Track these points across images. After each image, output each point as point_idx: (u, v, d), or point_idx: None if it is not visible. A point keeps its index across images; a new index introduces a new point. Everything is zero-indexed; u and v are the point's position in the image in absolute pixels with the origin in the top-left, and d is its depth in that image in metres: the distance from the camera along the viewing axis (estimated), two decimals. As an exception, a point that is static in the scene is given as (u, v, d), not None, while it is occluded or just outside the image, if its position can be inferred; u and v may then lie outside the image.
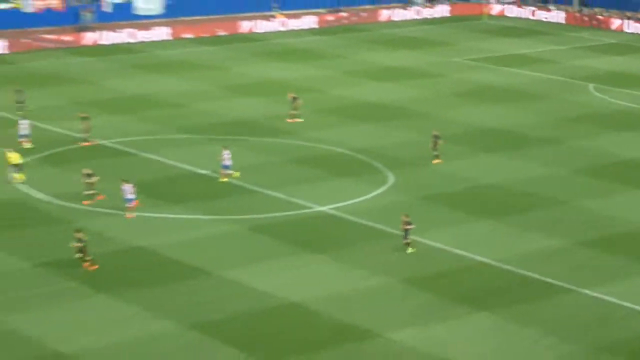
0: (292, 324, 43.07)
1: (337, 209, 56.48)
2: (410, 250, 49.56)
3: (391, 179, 61.73)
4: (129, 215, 54.84)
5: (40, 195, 59.43)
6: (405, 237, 49.62)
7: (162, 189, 61.54)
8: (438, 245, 51.10)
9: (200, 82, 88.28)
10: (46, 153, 67.70)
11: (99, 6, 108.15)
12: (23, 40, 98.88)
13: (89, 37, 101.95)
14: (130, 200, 55.63)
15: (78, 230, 48.35)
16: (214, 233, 54.43)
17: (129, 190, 55.73)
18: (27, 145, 67.19)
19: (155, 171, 65.05)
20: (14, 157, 60.88)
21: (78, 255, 47.59)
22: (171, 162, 66.53)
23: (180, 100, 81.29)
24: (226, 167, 61.65)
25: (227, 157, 61.63)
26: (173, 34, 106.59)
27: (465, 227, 54.28)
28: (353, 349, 39.83)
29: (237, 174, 61.25)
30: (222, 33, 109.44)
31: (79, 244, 47.90)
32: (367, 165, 64.80)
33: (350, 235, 52.52)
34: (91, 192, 56.46)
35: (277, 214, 56.64)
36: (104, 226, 53.80)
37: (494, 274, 48.13)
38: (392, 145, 68.67)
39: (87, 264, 47.90)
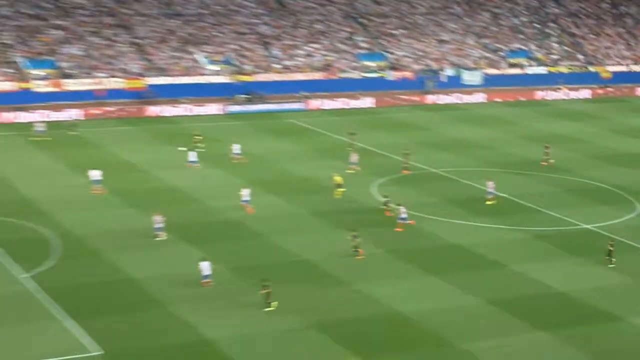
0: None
1: (597, 227, 60.75)
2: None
3: (638, 208, 66.56)
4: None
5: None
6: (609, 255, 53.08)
7: (466, 203, 66.55)
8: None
9: (503, 132, 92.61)
10: (393, 177, 73.17)
11: (438, 77, 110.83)
12: (385, 99, 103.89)
13: (430, 98, 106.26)
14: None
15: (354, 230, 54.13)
16: (507, 238, 59.03)
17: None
18: (352, 171, 72.26)
19: (465, 191, 70.01)
20: (338, 179, 66.30)
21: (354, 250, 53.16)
22: (475, 185, 70.88)
23: (490, 144, 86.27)
24: (489, 193, 66.13)
25: (491, 186, 66.26)
26: (487, 98, 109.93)
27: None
28: None
29: (493, 201, 65.66)
30: (522, 99, 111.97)
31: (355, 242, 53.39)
32: (621, 197, 69.00)
33: (604, 246, 54.37)
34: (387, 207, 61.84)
35: (552, 228, 61.13)
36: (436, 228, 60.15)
37: None
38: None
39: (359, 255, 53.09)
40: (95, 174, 65.69)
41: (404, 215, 58.72)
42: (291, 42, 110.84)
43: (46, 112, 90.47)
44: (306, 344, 42.92)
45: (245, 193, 61.69)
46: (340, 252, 54.34)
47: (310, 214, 62.35)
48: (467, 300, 48.37)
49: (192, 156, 72.56)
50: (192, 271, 49.65)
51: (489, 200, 65.86)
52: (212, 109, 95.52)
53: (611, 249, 52.88)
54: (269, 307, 45.56)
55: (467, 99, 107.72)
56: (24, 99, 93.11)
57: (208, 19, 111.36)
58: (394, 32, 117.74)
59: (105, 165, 70.68)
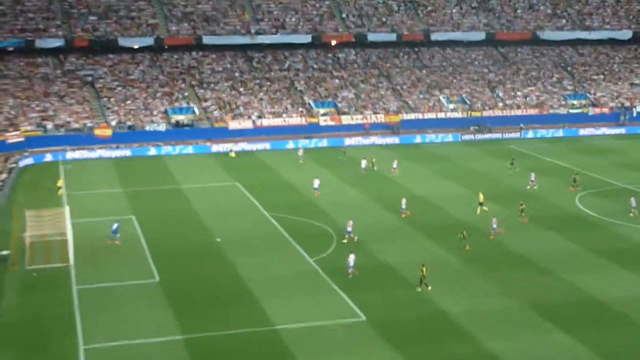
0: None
1: None
2: None
3: None
4: None
5: (591, 213, 63.61)
6: None
7: None
8: None
9: None
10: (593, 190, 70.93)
11: (631, 112, 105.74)
12: (587, 129, 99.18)
13: (624, 129, 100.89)
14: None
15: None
16: None
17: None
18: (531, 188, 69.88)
19: None
20: (481, 197, 63.04)
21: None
22: None
23: None
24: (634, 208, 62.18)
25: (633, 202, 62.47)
26: None
27: None
28: None
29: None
30: None
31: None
32: None
33: None
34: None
35: None
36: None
37: None
38: None
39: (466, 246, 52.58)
40: (316, 182, 68.26)
41: (494, 226, 56.64)
42: (511, 86, 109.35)
43: (326, 139, 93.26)
44: (521, 319, 42.62)
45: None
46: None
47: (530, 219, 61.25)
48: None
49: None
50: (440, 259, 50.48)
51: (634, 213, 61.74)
52: (450, 137, 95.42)
53: None
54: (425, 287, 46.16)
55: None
56: (312, 130, 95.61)
57: (448, 69, 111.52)
58: (594, 77, 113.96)
59: (365, 178, 72.55)
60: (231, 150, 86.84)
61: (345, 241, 54.77)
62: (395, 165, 77.23)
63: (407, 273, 48.57)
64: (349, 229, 55.46)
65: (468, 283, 47.71)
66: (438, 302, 44.56)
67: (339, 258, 51.26)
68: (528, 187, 70.20)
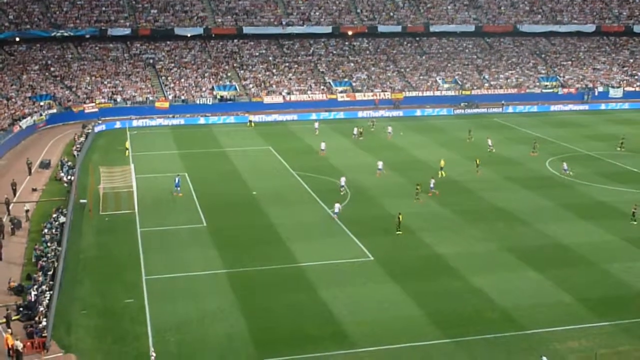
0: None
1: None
2: None
3: None
4: None
5: (559, 174, 61.95)
6: None
7: (611, 175, 61.62)
8: None
9: (638, 129, 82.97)
10: None
11: (593, 92, 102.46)
12: (557, 106, 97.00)
13: (587, 106, 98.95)
14: None
15: None
16: None
17: None
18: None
19: (610, 167, 64.23)
20: (442, 163, 62.99)
21: None
22: (617, 163, 65.55)
23: (629, 137, 74.75)
24: (565, 170, 61.14)
25: (565, 166, 61.16)
26: (626, 107, 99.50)
27: None
28: None
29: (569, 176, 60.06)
30: None
31: None
32: None
33: None
34: None
35: None
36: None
37: None
38: None
39: None
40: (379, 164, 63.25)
41: (432, 186, 55.00)
42: (495, 70, 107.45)
43: (342, 112, 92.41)
44: (501, 260, 42.52)
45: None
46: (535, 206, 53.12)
47: (503, 178, 60.28)
48: (607, 238, 46.14)
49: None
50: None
51: (567, 175, 60.76)
52: (444, 111, 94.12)
53: None
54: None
55: (612, 106, 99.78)
56: (331, 105, 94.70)
57: (444, 56, 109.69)
58: (564, 63, 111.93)
59: (383, 148, 72.01)
60: (250, 121, 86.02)
61: (342, 193, 54.72)
62: (390, 130, 77.08)
63: (410, 222, 48.17)
64: (342, 183, 55.36)
65: (460, 231, 47.47)
66: (434, 246, 44.38)
67: (351, 209, 51.22)
68: (488, 150, 69.99)
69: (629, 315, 35.53)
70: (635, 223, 48.46)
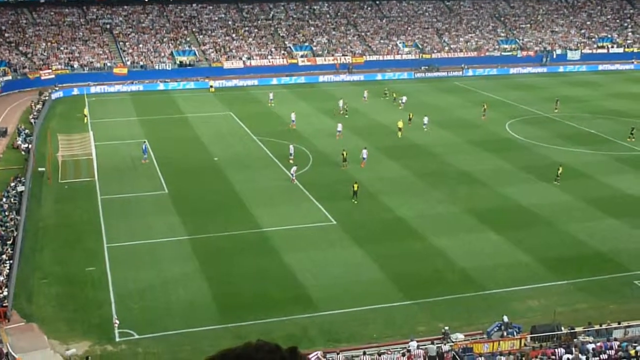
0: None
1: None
2: None
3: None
4: None
5: (518, 137, 63.07)
6: None
7: (568, 137, 62.61)
8: None
9: (595, 91, 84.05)
10: None
11: (551, 55, 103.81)
12: (516, 69, 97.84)
13: (546, 69, 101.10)
14: None
15: None
16: (594, 159, 55.40)
17: None
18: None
19: (568, 129, 65.04)
20: (400, 124, 65.33)
21: None
22: (575, 125, 66.41)
23: (586, 99, 78.15)
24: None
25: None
26: (584, 69, 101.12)
27: None
28: None
29: None
30: (606, 69, 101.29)
31: None
32: None
33: None
34: None
35: (628, 153, 56.96)
36: None
37: None
38: None
39: None
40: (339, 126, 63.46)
41: (364, 156, 53.48)
42: (455, 33, 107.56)
43: (303, 76, 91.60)
44: (462, 222, 42.89)
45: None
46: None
47: (465, 142, 60.81)
48: (565, 198, 46.79)
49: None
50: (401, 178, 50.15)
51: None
52: (405, 75, 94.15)
53: None
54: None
55: (570, 69, 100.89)
56: (292, 69, 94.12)
57: (404, 19, 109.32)
58: (522, 26, 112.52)
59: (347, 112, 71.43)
60: (211, 86, 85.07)
61: (291, 161, 52.98)
62: (365, 95, 77.73)
63: (373, 188, 48.36)
64: (291, 151, 54.10)
65: (422, 194, 47.74)
66: (396, 209, 44.63)
67: (314, 174, 51.16)
68: (424, 129, 70.38)
69: (586, 273, 36.31)
70: (557, 184, 49.28)
